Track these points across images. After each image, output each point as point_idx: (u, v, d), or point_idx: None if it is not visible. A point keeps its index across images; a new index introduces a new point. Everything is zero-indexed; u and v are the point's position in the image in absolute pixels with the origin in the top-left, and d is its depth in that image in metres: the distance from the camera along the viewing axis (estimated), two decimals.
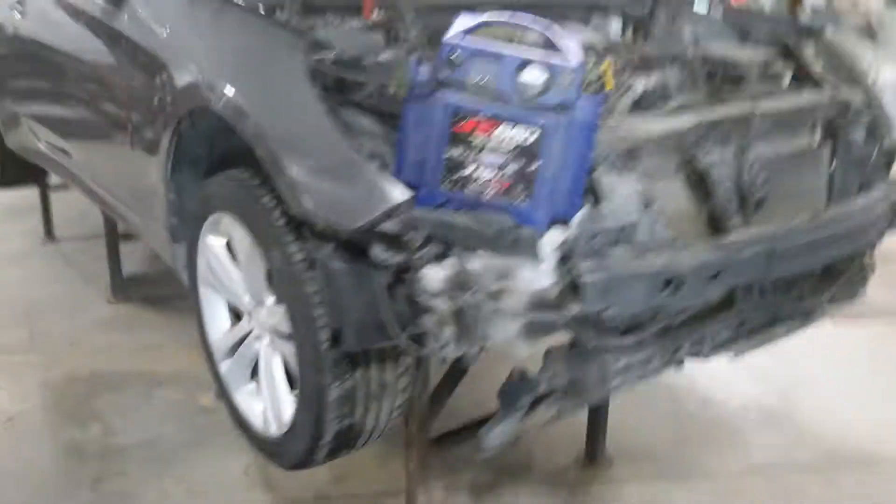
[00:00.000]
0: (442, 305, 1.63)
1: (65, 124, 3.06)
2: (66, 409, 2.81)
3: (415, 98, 1.62)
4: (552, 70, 1.56)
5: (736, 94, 2.06)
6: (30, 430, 2.71)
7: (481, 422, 2.27)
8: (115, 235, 3.56)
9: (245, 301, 2.22)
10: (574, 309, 1.60)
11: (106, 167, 2.83)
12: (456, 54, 1.58)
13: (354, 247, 1.74)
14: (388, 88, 1.69)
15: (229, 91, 1.92)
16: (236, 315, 2.35)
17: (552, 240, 1.62)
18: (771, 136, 2.00)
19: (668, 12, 2.41)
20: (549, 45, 1.62)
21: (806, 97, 2.16)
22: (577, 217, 1.63)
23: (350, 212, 1.67)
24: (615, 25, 2.46)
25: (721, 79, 2.11)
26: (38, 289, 3.72)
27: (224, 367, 2.39)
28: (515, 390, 1.86)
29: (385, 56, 1.77)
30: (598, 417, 2.52)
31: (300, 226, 1.83)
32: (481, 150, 1.59)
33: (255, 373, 2.30)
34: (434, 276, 1.62)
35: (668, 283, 1.66)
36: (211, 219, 2.20)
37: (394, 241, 1.66)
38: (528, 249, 1.60)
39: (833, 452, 2.66)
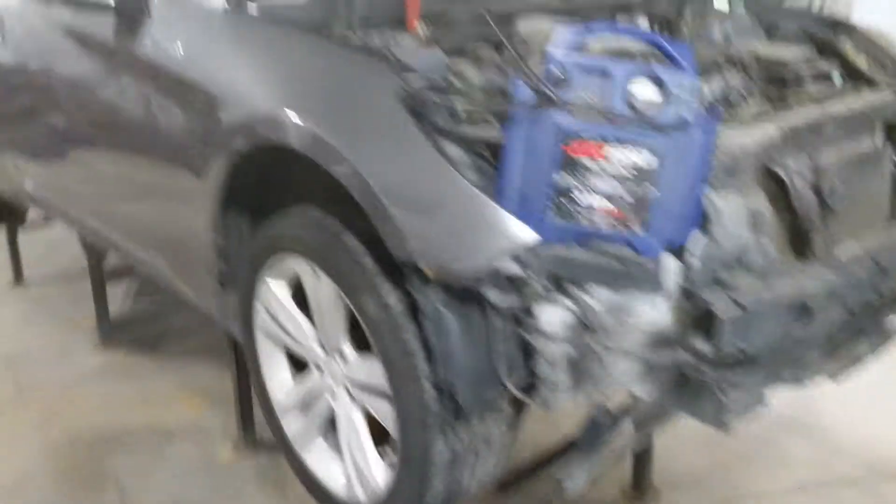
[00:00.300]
0: (559, 348, 1.53)
1: (67, 162, 2.84)
2: (76, 473, 2.62)
3: (518, 121, 1.50)
4: (667, 84, 1.46)
5: (797, 97, 1.98)
6: (39, 499, 2.51)
7: (537, 465, 2.21)
8: (99, 276, 3.36)
9: (317, 352, 2.07)
10: (702, 345, 1.50)
11: (125, 209, 2.63)
12: (561, 71, 1.47)
13: (463, 291, 1.61)
14: (482, 112, 1.57)
15: (312, 126, 1.74)
16: (298, 366, 2.21)
17: (672, 271, 1.52)
18: (839, 141, 1.92)
19: (695, 10, 2.33)
20: (661, 57, 1.52)
21: (869, 97, 2.07)
22: (696, 244, 1.53)
23: (468, 255, 1.55)
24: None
25: (772, 81, 2.02)
26: (16, 337, 3.51)
27: (289, 423, 2.24)
28: (599, 429, 1.78)
29: (479, 77, 1.64)
30: (643, 447, 2.46)
31: (396, 270, 1.69)
32: (593, 174, 1.48)
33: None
34: (555, 317, 1.52)
35: (801, 310, 1.57)
36: (275, 263, 2.05)
37: (510, 283, 1.54)
38: (651, 283, 1.50)
39: (872, 464, 2.64)
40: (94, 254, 3.29)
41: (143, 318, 3.65)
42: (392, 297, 1.72)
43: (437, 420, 1.75)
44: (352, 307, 1.84)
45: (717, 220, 1.55)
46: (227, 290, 2.24)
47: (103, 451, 2.72)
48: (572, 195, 1.50)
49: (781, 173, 1.77)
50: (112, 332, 3.43)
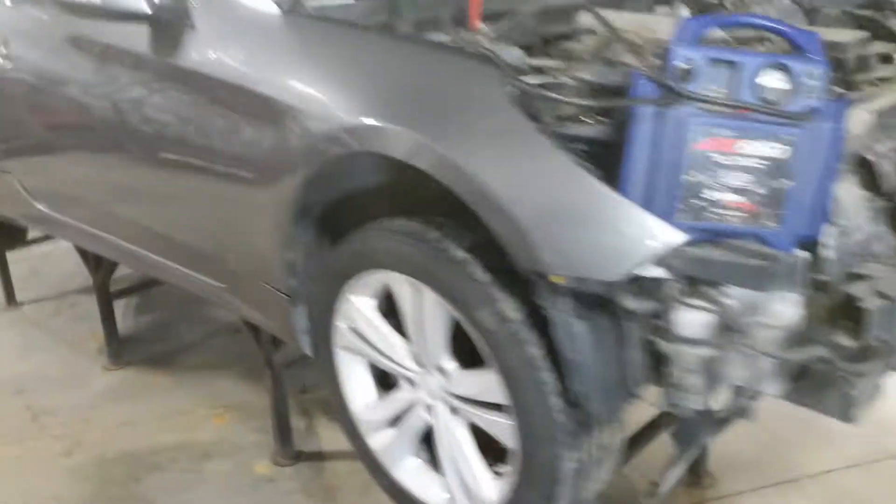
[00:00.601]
0: (697, 352, 1.48)
1: (94, 182, 2.70)
2: (109, 496, 2.51)
3: (642, 118, 1.45)
4: (797, 72, 1.41)
5: (866, 80, 1.92)
6: None
7: None
8: (106, 294, 3.24)
9: (409, 367, 1.99)
10: (844, 339, 1.46)
11: (169, 227, 2.48)
12: (686, 63, 1.42)
13: (592, 298, 1.54)
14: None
15: (421, 135, 1.63)
16: (381, 382, 2.14)
17: (807, 265, 1.47)
18: None
19: None
20: (788, 45, 1.48)
21: None
22: (829, 236, 1.48)
23: (610, 261, 1.47)
24: (684, 13, 2.33)
25: (835, 65, 1.99)
26: (20, 362, 3.35)
27: (376, 440, 2.15)
28: (696, 428, 1.75)
29: (583, 74, 1.58)
30: None
31: (512, 280, 1.62)
32: (724, 169, 1.43)
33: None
34: (694, 320, 1.47)
35: None
36: (361, 278, 1.95)
37: (647, 287, 1.49)
38: (790, 279, 1.44)
39: None
40: (101, 272, 3.17)
41: (150, 335, 3.52)
42: (510, 309, 1.65)
43: (564, 433, 1.68)
44: (463, 321, 1.76)
45: (843, 210, 1.52)
46: (296, 306, 2.14)
47: (135, 472, 2.61)
48: (702, 192, 1.45)
49: (871, 157, 1.71)
50: (121, 350, 3.30)
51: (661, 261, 1.46)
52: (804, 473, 2.51)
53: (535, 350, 1.64)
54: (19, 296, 3.93)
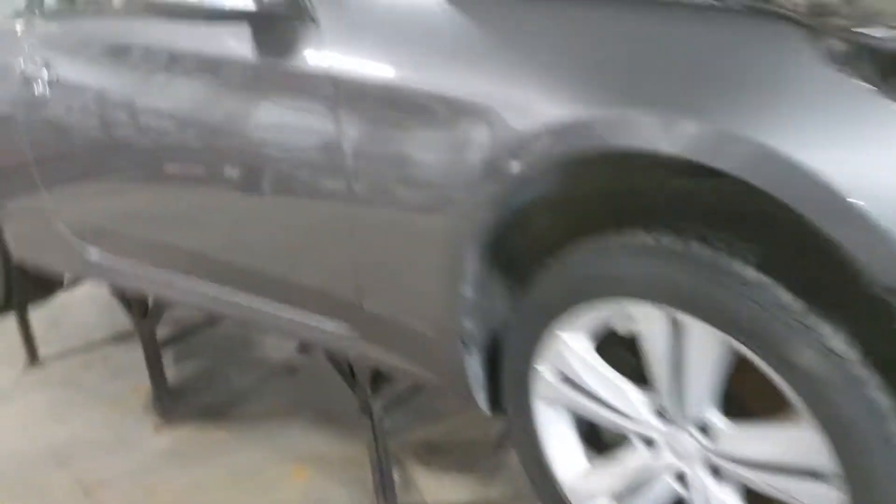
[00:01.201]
0: None
1: (174, 221, 2.35)
2: None
3: None
4: None
5: None
6: None
7: None
8: (154, 344, 2.91)
9: (648, 422, 1.61)
10: None
11: (283, 270, 2.12)
12: None
13: None
14: None
15: (707, 124, 1.26)
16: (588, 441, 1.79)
17: None
18: None
19: None
20: None
21: None
22: None
23: None
24: None
25: None
26: (55, 428, 3.00)
27: None
28: None
29: None
30: None
31: (828, 305, 1.28)
32: None
33: None
34: None
35: None
36: (582, 312, 1.58)
37: None
38: None
39: None
40: (149, 321, 2.85)
41: (198, 386, 3.18)
42: (838, 343, 1.28)
43: None
44: (763, 363, 1.37)
45: None
46: (470, 352, 1.78)
47: None
48: None
49: None
50: (171, 405, 2.97)
51: None
52: None
53: (878, 395, 1.28)
54: (41, 352, 3.59)
